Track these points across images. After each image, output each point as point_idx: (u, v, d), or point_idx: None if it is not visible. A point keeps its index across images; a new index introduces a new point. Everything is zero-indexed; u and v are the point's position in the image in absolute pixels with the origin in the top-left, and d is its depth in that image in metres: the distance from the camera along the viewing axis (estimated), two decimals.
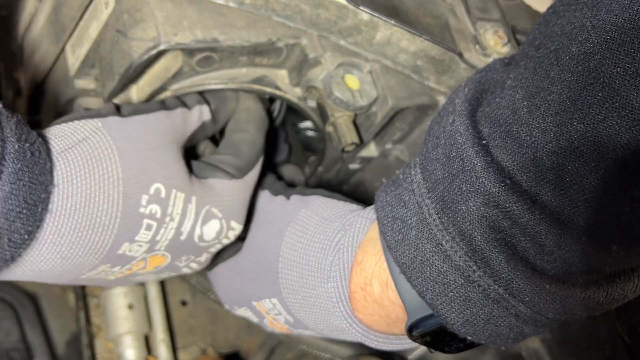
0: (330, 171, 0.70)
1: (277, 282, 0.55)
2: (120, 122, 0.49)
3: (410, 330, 0.47)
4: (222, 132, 0.61)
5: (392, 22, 0.56)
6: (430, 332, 0.46)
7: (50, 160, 0.43)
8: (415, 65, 0.59)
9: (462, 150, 0.41)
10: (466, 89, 0.44)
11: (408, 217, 0.45)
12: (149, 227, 0.49)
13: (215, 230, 0.55)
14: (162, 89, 0.54)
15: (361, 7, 0.55)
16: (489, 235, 0.40)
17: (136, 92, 0.55)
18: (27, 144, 0.40)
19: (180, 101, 0.55)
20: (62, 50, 0.59)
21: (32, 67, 0.63)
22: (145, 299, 0.78)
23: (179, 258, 0.54)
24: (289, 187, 0.63)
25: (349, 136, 0.57)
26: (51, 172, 0.42)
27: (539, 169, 0.38)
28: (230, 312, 0.70)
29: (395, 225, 0.46)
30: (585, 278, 0.41)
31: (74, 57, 0.57)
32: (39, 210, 0.41)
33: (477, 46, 0.60)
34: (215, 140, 0.63)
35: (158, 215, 0.49)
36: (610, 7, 0.35)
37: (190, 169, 0.54)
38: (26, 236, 0.41)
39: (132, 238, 0.49)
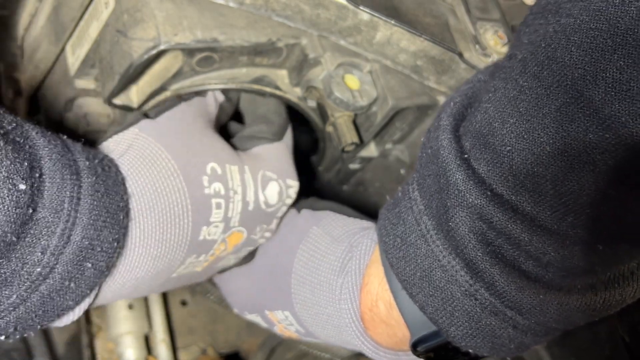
0: (330, 171, 0.70)
1: (290, 297, 0.57)
2: (153, 123, 0.51)
3: (414, 346, 0.49)
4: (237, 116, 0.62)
5: (392, 22, 0.56)
6: (434, 348, 0.48)
7: (121, 173, 0.46)
8: (415, 65, 0.59)
9: (446, 165, 0.42)
10: (452, 103, 0.45)
11: (407, 234, 0.46)
12: (218, 206, 0.51)
13: (277, 191, 0.57)
14: (162, 89, 0.54)
15: (361, 7, 0.54)
16: (479, 249, 0.41)
17: (136, 92, 0.55)
18: (96, 161, 0.43)
19: (193, 92, 0.56)
20: (62, 50, 0.59)
21: (32, 67, 0.63)
22: (146, 299, 0.78)
23: (253, 230, 0.56)
24: (300, 197, 0.63)
25: (349, 136, 0.57)
26: (124, 183, 0.45)
27: (516, 178, 0.38)
28: (231, 312, 0.70)
29: (395, 242, 0.47)
30: (582, 283, 0.42)
31: (74, 57, 0.57)
32: (121, 217, 0.44)
33: (477, 46, 0.60)
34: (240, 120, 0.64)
35: (222, 192, 0.51)
36: (570, 11, 0.35)
37: (231, 146, 0.56)
38: (115, 244, 0.43)
39: (208, 220, 0.50)
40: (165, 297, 0.80)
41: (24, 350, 0.72)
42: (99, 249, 0.42)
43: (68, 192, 0.40)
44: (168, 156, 0.49)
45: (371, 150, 0.66)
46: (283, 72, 0.58)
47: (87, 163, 0.42)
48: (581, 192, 0.37)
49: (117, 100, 0.55)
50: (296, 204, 0.62)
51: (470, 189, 0.40)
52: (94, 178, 0.42)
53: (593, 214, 0.37)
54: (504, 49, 0.60)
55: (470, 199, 0.40)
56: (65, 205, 0.39)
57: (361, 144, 0.62)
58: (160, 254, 0.48)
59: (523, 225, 0.39)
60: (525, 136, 0.37)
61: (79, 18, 0.56)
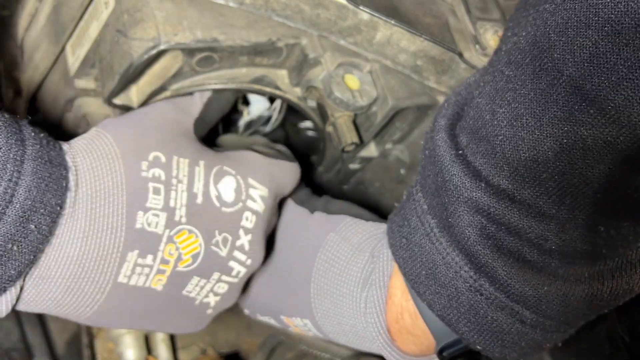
0: (330, 171, 0.70)
1: (310, 306, 0.56)
2: (114, 119, 0.51)
3: (441, 352, 0.49)
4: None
5: (392, 22, 0.56)
6: (459, 355, 0.48)
7: (63, 150, 0.46)
8: (415, 65, 0.59)
9: (442, 163, 0.43)
10: (446, 104, 0.46)
11: (412, 234, 0.47)
12: (156, 191, 0.48)
13: (232, 187, 0.52)
14: (162, 89, 0.54)
15: (361, 7, 0.54)
16: (480, 243, 0.42)
17: (136, 92, 0.55)
18: (42, 135, 0.44)
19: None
20: (62, 50, 0.59)
21: (32, 67, 0.63)
22: None
23: (211, 236, 0.51)
24: (312, 195, 0.63)
25: (349, 136, 0.57)
26: (65, 157, 0.45)
27: (511, 166, 0.39)
28: (231, 312, 0.70)
29: (401, 243, 0.48)
30: (589, 271, 0.41)
31: (74, 57, 0.57)
32: (64, 184, 0.44)
33: (477, 46, 0.60)
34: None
35: (162, 177, 0.49)
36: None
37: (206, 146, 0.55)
38: (58, 208, 0.43)
39: (144, 205, 0.48)
40: None
41: (24, 350, 0.72)
42: (42, 211, 0.42)
43: (12, 155, 0.41)
44: (112, 142, 0.48)
45: (371, 150, 0.66)
46: (283, 72, 0.58)
47: (33, 134, 0.43)
48: (576, 174, 0.37)
49: (117, 100, 0.55)
50: (307, 203, 0.60)
51: (465, 183, 0.41)
52: (38, 146, 0.43)
53: (591, 195, 0.37)
54: None
55: (467, 194, 0.41)
56: (9, 166, 0.40)
57: (361, 144, 0.62)
58: (91, 231, 0.45)
59: (521, 213, 0.39)
60: (514, 123, 0.38)
61: (79, 18, 0.56)
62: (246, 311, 0.65)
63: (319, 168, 0.69)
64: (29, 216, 0.41)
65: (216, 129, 0.63)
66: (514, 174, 0.39)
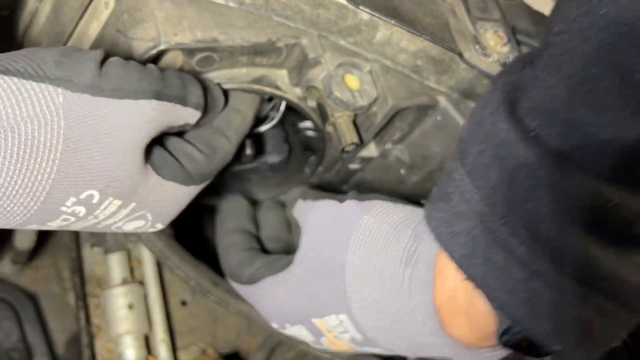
0: (330, 171, 0.70)
1: (345, 297, 0.52)
2: (88, 105, 0.42)
3: (501, 336, 0.45)
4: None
5: (392, 22, 0.56)
6: (519, 339, 0.44)
7: None
8: (415, 65, 0.59)
9: (513, 147, 0.40)
10: (496, 93, 0.44)
11: (470, 230, 0.43)
12: (65, 220, 0.46)
13: (137, 226, 0.53)
14: None
15: (361, 7, 0.54)
16: (564, 229, 0.39)
17: None
18: None
19: (183, 85, 0.48)
20: None
21: None
22: (145, 299, 0.79)
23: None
24: (325, 192, 0.62)
25: (349, 136, 0.57)
26: None
27: (594, 146, 0.38)
28: (231, 312, 0.70)
29: (459, 240, 0.43)
30: None
31: None
32: None
33: (477, 46, 0.60)
34: None
35: (81, 214, 0.46)
36: None
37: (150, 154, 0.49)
38: None
39: (44, 223, 0.45)
40: (165, 297, 0.80)
41: (24, 350, 0.72)
42: None
43: None
44: (56, 161, 0.41)
45: (371, 150, 0.66)
46: (283, 72, 0.58)
47: None
48: None
49: None
50: (334, 197, 0.59)
51: (548, 165, 0.39)
52: None
53: None
54: (504, 49, 0.60)
55: (551, 176, 0.39)
56: None
57: (361, 144, 0.62)
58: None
59: (622, 191, 0.38)
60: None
61: (79, 18, 0.56)
62: (275, 325, 0.62)
63: (319, 168, 0.69)
64: None
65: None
66: (599, 153, 0.38)
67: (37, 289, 0.77)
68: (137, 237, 0.73)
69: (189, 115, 0.50)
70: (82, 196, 0.44)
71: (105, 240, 0.80)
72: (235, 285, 0.64)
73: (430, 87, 0.60)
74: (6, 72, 0.39)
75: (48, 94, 0.40)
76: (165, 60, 0.52)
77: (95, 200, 0.45)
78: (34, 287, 0.77)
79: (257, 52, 0.54)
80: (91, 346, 0.75)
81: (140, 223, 0.53)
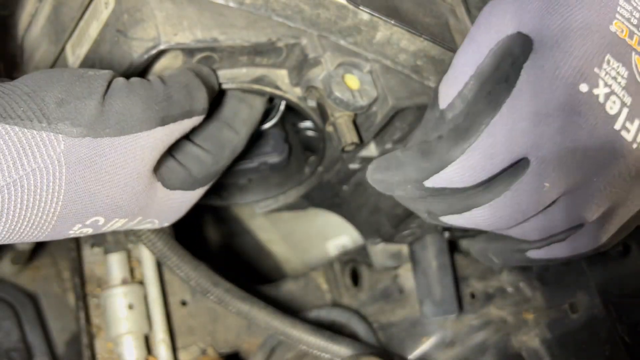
0: (330, 171, 0.70)
1: None
2: (89, 148, 0.41)
3: None
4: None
5: (392, 22, 0.56)
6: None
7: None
8: (415, 65, 0.59)
9: None
10: None
11: None
12: (71, 236, 0.47)
13: (143, 227, 0.54)
14: None
15: (361, 7, 0.54)
16: None
17: None
18: None
19: (189, 96, 0.47)
20: (62, 50, 0.59)
21: (32, 67, 0.63)
22: (145, 299, 0.79)
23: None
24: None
25: (349, 136, 0.57)
26: None
27: None
28: (231, 312, 0.70)
29: None
30: None
31: (74, 57, 0.57)
32: None
33: None
34: None
35: (89, 232, 0.47)
36: None
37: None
38: None
39: (51, 238, 0.46)
40: (165, 297, 0.80)
41: (24, 350, 0.72)
42: None
43: None
44: (59, 202, 0.42)
45: (371, 150, 0.66)
46: (283, 72, 0.58)
47: None
48: None
49: None
50: None
51: None
52: None
53: None
54: None
55: None
56: None
57: (361, 144, 0.62)
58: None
59: None
60: None
61: (79, 18, 0.56)
62: None
63: (319, 168, 0.69)
64: None
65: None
66: None
67: (37, 289, 0.77)
68: (136, 237, 0.73)
69: (195, 121, 0.49)
70: (88, 222, 0.45)
71: (105, 241, 0.80)
72: None
73: (430, 87, 0.60)
74: (7, 119, 0.39)
75: (49, 142, 0.40)
76: (166, 60, 0.52)
77: (101, 223, 0.46)
78: (34, 287, 0.77)
79: (257, 52, 0.54)
80: (91, 346, 0.75)
81: (148, 226, 0.54)
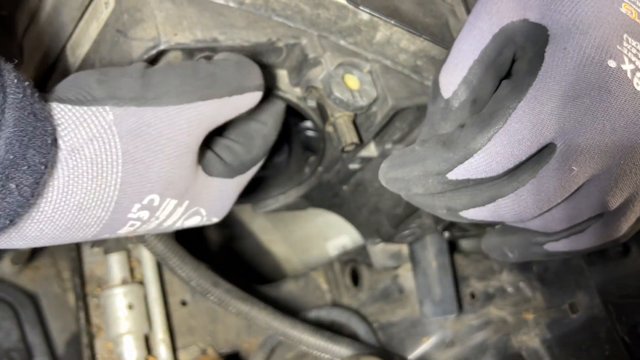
0: (330, 171, 0.70)
1: None
2: (136, 116, 0.44)
3: None
4: None
5: (392, 22, 0.56)
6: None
7: (47, 101, 0.41)
8: (415, 65, 0.59)
9: None
10: None
11: None
12: (132, 225, 0.49)
13: (195, 223, 0.56)
14: None
15: (361, 7, 0.55)
16: None
17: None
18: (26, 83, 0.39)
19: (239, 73, 0.49)
20: (62, 50, 0.59)
21: (32, 67, 0.63)
22: (145, 299, 0.79)
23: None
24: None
25: (349, 136, 0.57)
26: (51, 112, 0.40)
27: None
28: (231, 312, 0.70)
29: None
30: None
31: (74, 57, 0.57)
32: (49, 142, 0.39)
33: None
34: None
35: (145, 218, 0.49)
36: None
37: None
38: (43, 167, 0.39)
39: (115, 232, 0.49)
40: (165, 297, 0.80)
41: (24, 350, 0.72)
42: (25, 168, 0.37)
43: None
44: (119, 173, 0.44)
45: (371, 150, 0.66)
46: (283, 72, 0.58)
47: (15, 81, 0.37)
48: None
49: None
50: None
51: None
52: (21, 95, 0.37)
53: None
54: None
55: None
56: None
57: (361, 144, 0.62)
58: (62, 232, 0.43)
59: None
60: None
61: (79, 18, 0.56)
62: None
63: (319, 168, 0.69)
64: (9, 173, 0.37)
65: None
66: None
67: (37, 289, 0.77)
68: (138, 238, 0.73)
69: (251, 99, 0.50)
70: (145, 201, 0.47)
71: (105, 241, 0.80)
72: None
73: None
74: (61, 101, 0.42)
75: (99, 114, 0.43)
76: (166, 60, 0.52)
77: (156, 203, 0.48)
78: (34, 287, 0.77)
79: (257, 52, 0.54)
80: (91, 346, 0.75)
81: (197, 219, 0.56)
